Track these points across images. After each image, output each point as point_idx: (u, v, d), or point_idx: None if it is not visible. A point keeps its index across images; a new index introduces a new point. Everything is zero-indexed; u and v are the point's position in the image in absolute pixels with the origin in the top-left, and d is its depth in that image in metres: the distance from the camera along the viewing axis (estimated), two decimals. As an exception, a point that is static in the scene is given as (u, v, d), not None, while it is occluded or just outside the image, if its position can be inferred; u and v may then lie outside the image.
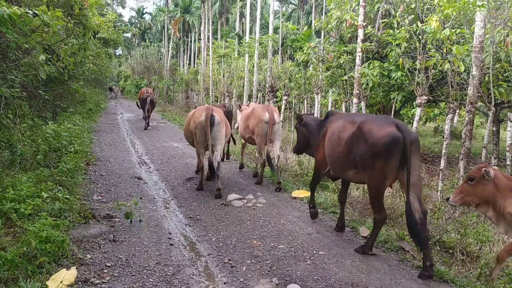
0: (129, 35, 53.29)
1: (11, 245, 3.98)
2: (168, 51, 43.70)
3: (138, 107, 18.54)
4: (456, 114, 15.65)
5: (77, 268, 3.92)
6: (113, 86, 45.05)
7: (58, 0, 9.04)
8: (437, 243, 5.14)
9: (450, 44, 7.77)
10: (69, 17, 8.68)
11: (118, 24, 31.52)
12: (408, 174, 4.33)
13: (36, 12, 6.17)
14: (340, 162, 5.05)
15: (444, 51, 7.97)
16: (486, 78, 7.73)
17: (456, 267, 4.56)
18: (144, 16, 61.80)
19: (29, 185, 5.40)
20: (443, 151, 7.94)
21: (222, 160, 8.92)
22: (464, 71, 7.97)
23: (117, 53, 53.67)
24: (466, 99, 7.89)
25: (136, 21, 60.23)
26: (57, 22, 6.91)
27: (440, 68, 8.13)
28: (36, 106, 10.05)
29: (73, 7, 9.63)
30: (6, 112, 6.95)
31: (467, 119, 7.80)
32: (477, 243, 5.07)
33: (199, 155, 7.50)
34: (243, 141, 9.22)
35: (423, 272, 4.32)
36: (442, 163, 7.70)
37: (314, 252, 4.83)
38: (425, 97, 8.36)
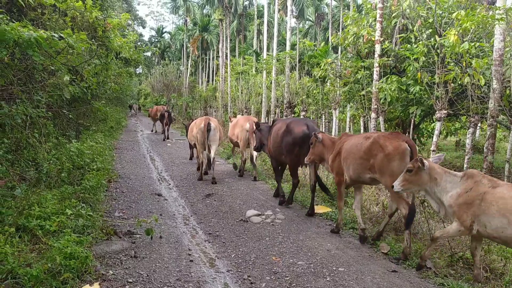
0: (149, 54, 54.53)
1: (37, 261, 4.08)
2: (187, 68, 44.51)
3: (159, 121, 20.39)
4: (478, 128, 15.37)
5: (99, 284, 3.99)
6: (133, 104, 45.89)
7: (82, 23, 9.37)
8: (460, 260, 5.03)
9: (470, 58, 7.71)
10: (92, 39, 8.98)
11: (139, 44, 32.30)
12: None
13: (62, 35, 6.40)
14: (277, 150, 7.56)
15: (464, 64, 7.90)
16: (507, 91, 7.62)
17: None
18: (163, 35, 63.25)
19: (54, 202, 5.54)
20: (465, 165, 7.81)
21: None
22: (485, 85, 7.87)
23: (138, 72, 54.84)
24: (487, 112, 7.78)
25: (156, 40, 61.67)
26: (82, 45, 7.15)
27: (459, 82, 8.06)
28: (60, 125, 10.33)
29: (96, 30, 9.98)
30: (32, 132, 7.17)
31: (488, 133, 7.68)
32: (501, 259, 4.95)
33: (199, 153, 9.81)
34: (232, 146, 11.62)
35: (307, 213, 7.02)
36: (464, 177, 7.56)
37: (334, 268, 4.79)
38: (445, 111, 8.28)
